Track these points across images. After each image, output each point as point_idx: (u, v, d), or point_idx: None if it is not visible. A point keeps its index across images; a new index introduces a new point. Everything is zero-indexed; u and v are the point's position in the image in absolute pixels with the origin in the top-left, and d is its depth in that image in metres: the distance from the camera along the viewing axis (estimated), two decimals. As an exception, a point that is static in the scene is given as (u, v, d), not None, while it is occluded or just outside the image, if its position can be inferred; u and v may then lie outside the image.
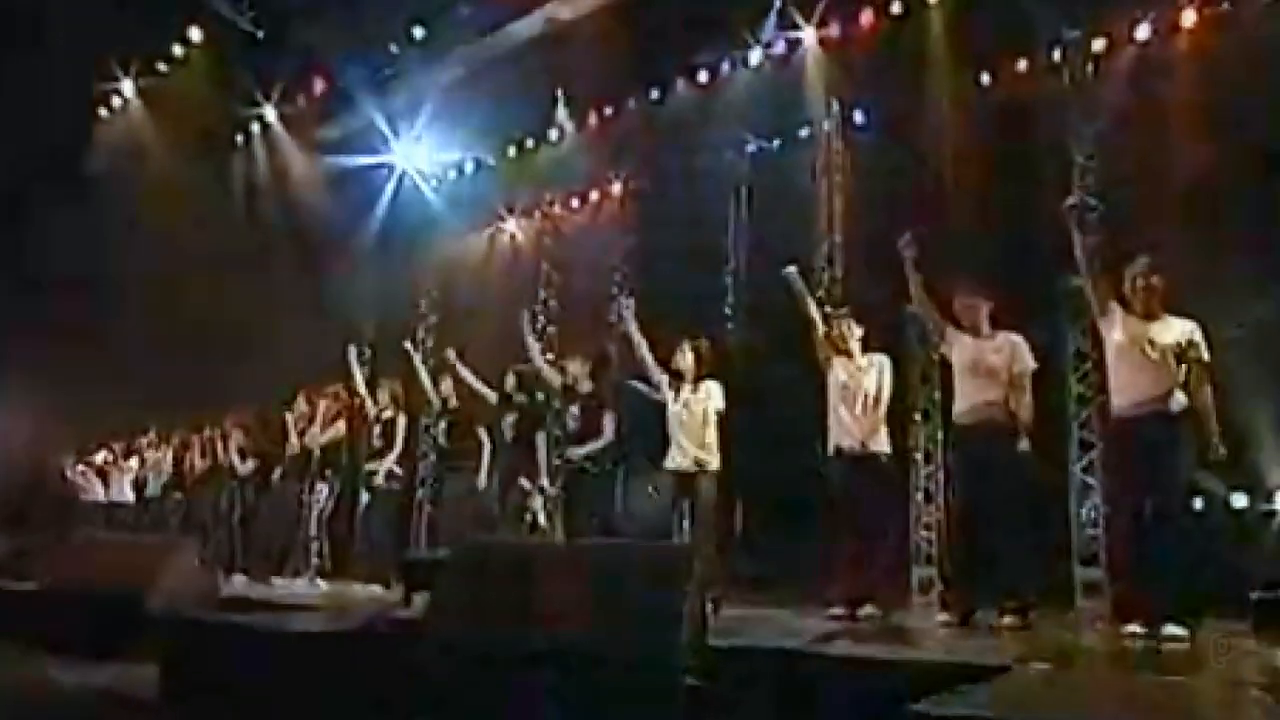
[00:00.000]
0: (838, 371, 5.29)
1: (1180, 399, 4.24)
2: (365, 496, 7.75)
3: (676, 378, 5.60)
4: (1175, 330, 4.32)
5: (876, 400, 5.21)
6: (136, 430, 10.08)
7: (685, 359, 5.58)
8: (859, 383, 5.22)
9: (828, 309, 5.65)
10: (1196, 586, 4.17)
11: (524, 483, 6.94)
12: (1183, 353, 4.26)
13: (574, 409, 6.32)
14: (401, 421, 7.68)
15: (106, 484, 10.25)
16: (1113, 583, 4.99)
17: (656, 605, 2.88)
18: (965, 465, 4.97)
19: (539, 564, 3.30)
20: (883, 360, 5.31)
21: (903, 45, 8.42)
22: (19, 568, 6.44)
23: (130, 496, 9.96)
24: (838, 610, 4.95)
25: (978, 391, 4.84)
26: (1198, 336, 4.32)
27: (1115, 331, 4.44)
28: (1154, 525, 4.19)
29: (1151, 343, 4.29)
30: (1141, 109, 7.63)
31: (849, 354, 5.29)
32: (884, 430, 5.22)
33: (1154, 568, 4.21)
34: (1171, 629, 4.04)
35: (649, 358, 5.72)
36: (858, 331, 5.36)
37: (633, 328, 5.81)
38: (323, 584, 7.58)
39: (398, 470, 7.63)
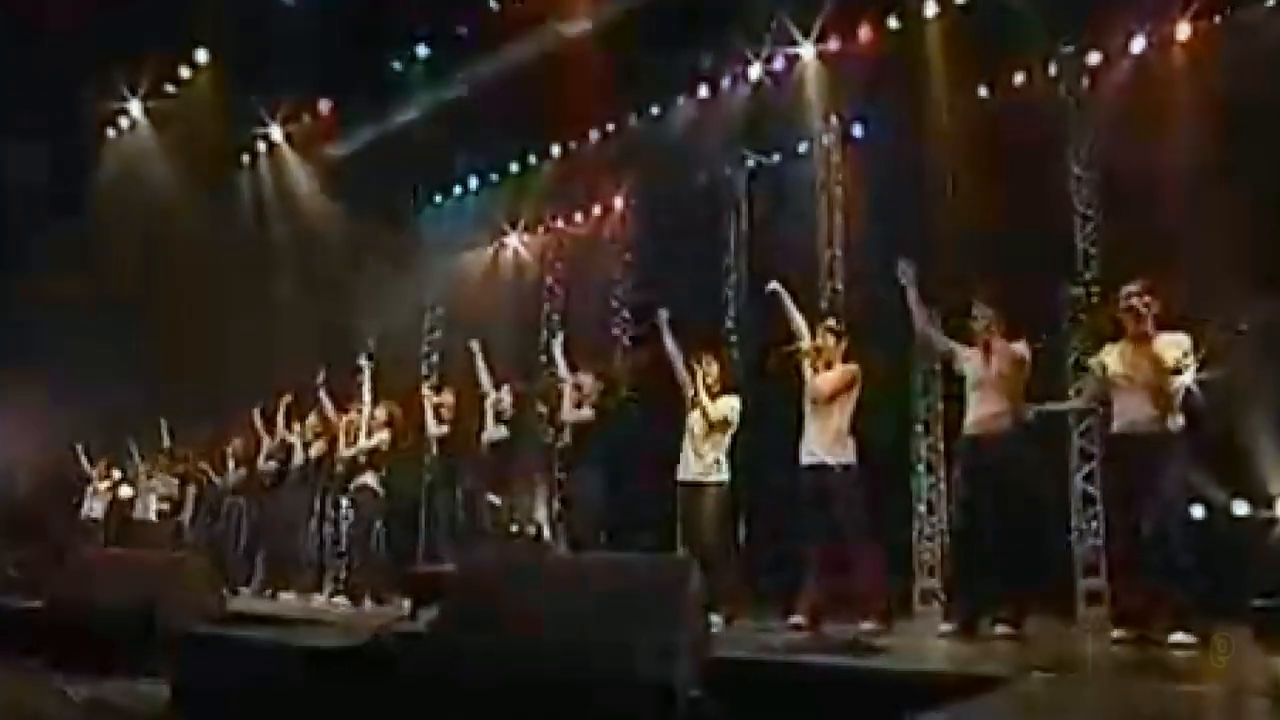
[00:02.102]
0: (809, 382, 5.31)
1: (1179, 419, 4.34)
2: (349, 513, 7.87)
3: (696, 389, 5.69)
4: (1167, 350, 4.37)
5: (840, 411, 5.21)
6: (150, 449, 10.09)
7: (712, 370, 5.71)
8: (823, 393, 5.23)
9: (830, 322, 5.64)
10: (1197, 595, 4.20)
11: (492, 498, 7.11)
12: (1176, 369, 4.34)
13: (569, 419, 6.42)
14: (386, 437, 7.77)
15: (130, 503, 10.26)
16: (1114, 592, 5.02)
17: (659, 617, 2.91)
18: (967, 476, 4.99)
19: (543, 577, 3.34)
20: (852, 371, 5.30)
21: (901, 59, 8.50)
22: (26, 583, 6.48)
23: (152, 514, 9.96)
24: (798, 619, 5.00)
25: (984, 404, 4.89)
26: (1186, 348, 4.39)
27: (1110, 360, 4.56)
28: (1152, 539, 4.25)
29: (1144, 367, 4.37)
30: (1137, 120, 7.70)
31: (828, 365, 5.31)
32: (849, 441, 5.22)
33: (1154, 579, 4.26)
34: (1179, 636, 4.08)
35: (684, 370, 5.84)
36: (838, 345, 5.35)
37: (669, 340, 5.91)
38: (320, 598, 7.65)
39: (376, 486, 7.71)
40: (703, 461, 5.58)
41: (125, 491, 10.11)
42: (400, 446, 7.89)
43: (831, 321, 5.54)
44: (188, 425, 9.77)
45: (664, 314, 6.04)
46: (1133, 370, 4.44)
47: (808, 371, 5.31)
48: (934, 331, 5.22)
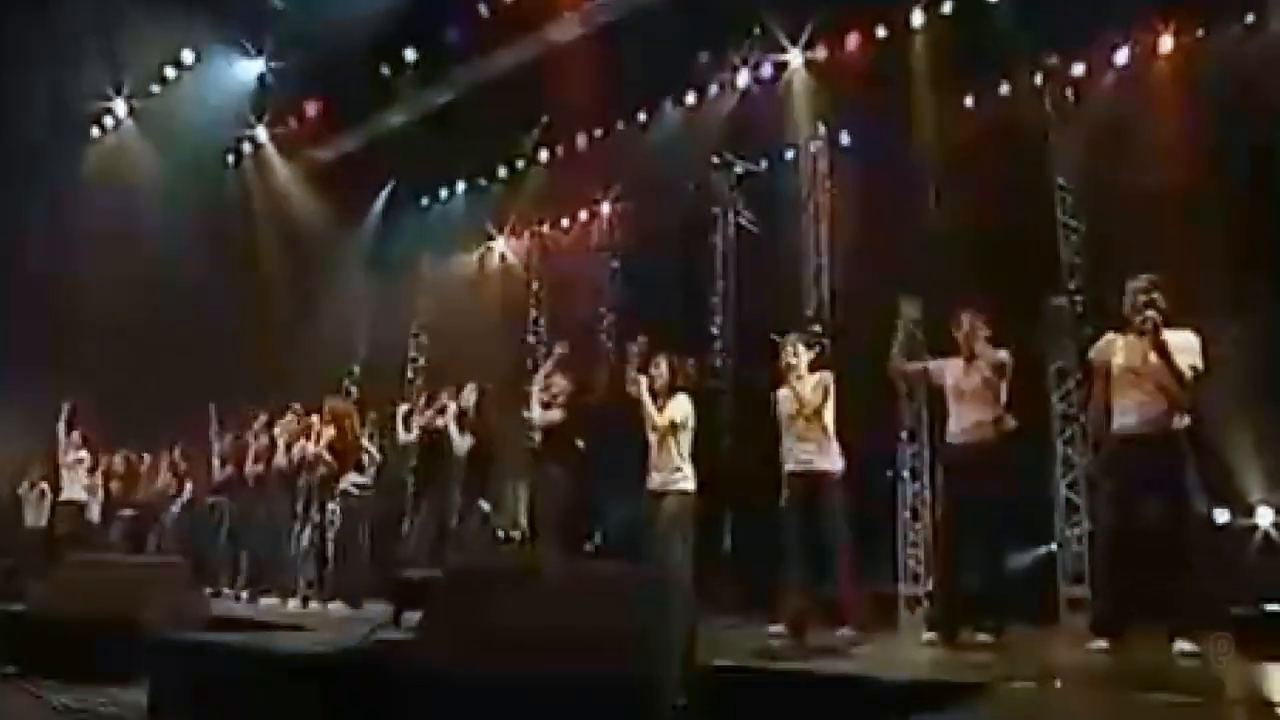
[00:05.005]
0: (782, 394, 5.28)
1: (1185, 418, 4.27)
2: (334, 517, 7.84)
3: (653, 396, 5.52)
4: (1179, 349, 4.25)
5: (819, 417, 5.19)
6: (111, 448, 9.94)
7: (661, 373, 5.53)
8: (801, 402, 5.20)
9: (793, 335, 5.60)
10: (1186, 601, 4.21)
11: (483, 503, 7.08)
12: (1191, 370, 4.23)
13: (538, 420, 6.39)
14: (331, 433, 7.83)
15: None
16: (1095, 599, 5.02)
17: (644, 624, 2.91)
18: (951, 483, 5.00)
19: (528, 583, 3.33)
20: (826, 377, 5.28)
21: (888, 68, 8.55)
22: (10, 589, 6.41)
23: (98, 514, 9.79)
24: (778, 629, 4.97)
25: (967, 412, 4.89)
26: (1196, 349, 4.28)
27: (1116, 357, 4.43)
28: (1158, 541, 4.23)
29: (1156, 364, 4.26)
30: (1121, 131, 7.77)
31: (798, 375, 5.26)
32: (836, 447, 5.21)
33: (1151, 583, 4.26)
34: (1162, 644, 4.09)
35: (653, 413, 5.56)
36: (805, 354, 5.32)
37: (644, 387, 5.57)
38: (294, 604, 7.63)
39: (356, 488, 7.70)
40: (662, 470, 5.44)
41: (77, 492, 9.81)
42: (347, 446, 7.85)
43: (795, 335, 5.48)
44: (164, 429, 9.67)
45: (636, 347, 5.75)
46: (1144, 366, 4.30)
47: (791, 388, 5.23)
48: (902, 367, 5.27)
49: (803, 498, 5.13)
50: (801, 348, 5.33)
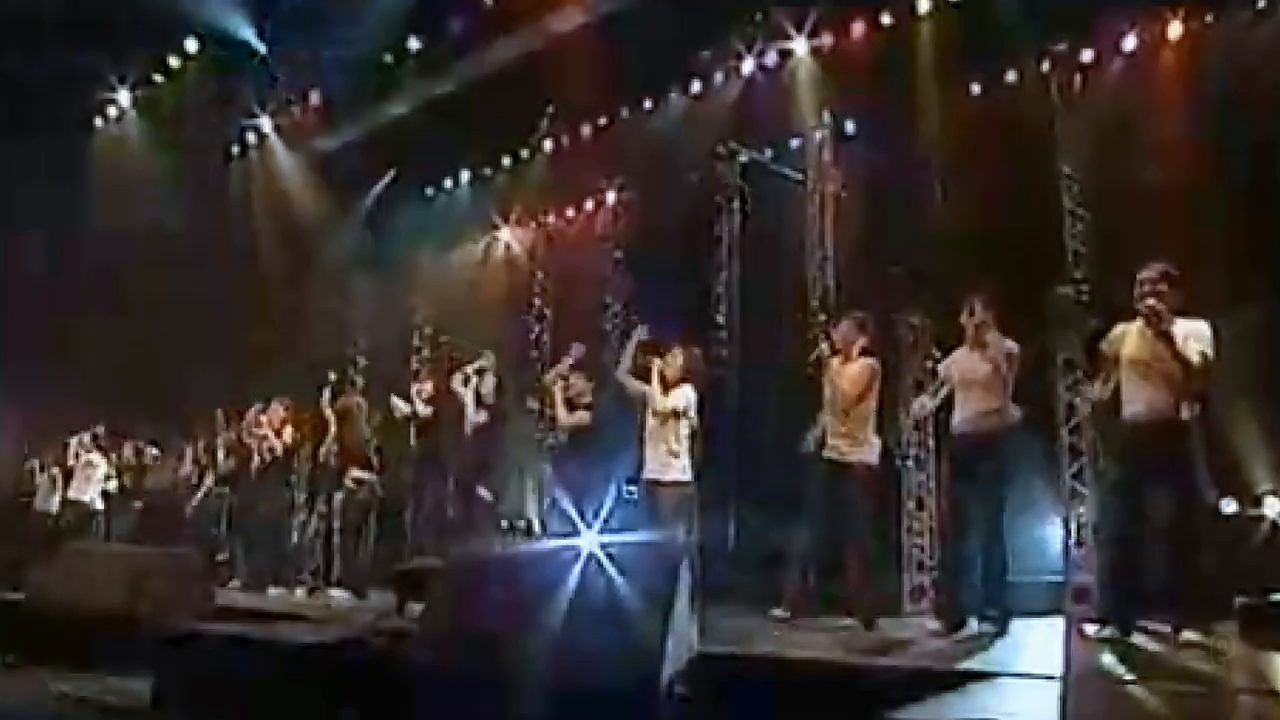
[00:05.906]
0: (832, 387, 5.28)
1: (1196, 407, 4.24)
2: (339, 506, 7.87)
3: (659, 384, 5.55)
4: (1189, 339, 4.22)
5: (866, 408, 5.20)
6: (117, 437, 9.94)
7: (675, 363, 5.57)
8: (850, 396, 5.20)
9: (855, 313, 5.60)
10: (1192, 590, 4.20)
11: (483, 492, 7.10)
12: (1200, 358, 4.20)
13: (564, 422, 6.38)
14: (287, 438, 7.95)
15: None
16: (1100, 588, 5.00)
17: (647, 613, 2.90)
18: (957, 473, 4.99)
19: (528, 570, 3.32)
20: (870, 364, 5.29)
21: (894, 56, 8.49)
22: (12, 579, 6.43)
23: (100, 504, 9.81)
24: (779, 611, 5.00)
25: (973, 404, 4.88)
26: (1207, 337, 4.25)
27: (1125, 348, 4.42)
28: (1164, 530, 4.22)
29: (1165, 355, 4.23)
30: (1129, 118, 7.71)
31: (847, 358, 5.28)
32: (875, 440, 5.20)
33: (1157, 572, 4.24)
34: (1168, 634, 4.08)
35: (635, 383, 5.69)
36: (860, 339, 5.34)
37: (628, 357, 5.76)
38: (300, 593, 7.65)
39: (358, 481, 7.73)
40: (658, 457, 5.45)
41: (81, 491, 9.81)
42: (353, 438, 7.84)
43: (858, 313, 5.50)
44: (169, 418, 9.69)
45: (641, 331, 5.90)
46: (1152, 356, 4.27)
47: (828, 375, 5.25)
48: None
49: (829, 484, 5.14)
50: (856, 330, 5.30)
